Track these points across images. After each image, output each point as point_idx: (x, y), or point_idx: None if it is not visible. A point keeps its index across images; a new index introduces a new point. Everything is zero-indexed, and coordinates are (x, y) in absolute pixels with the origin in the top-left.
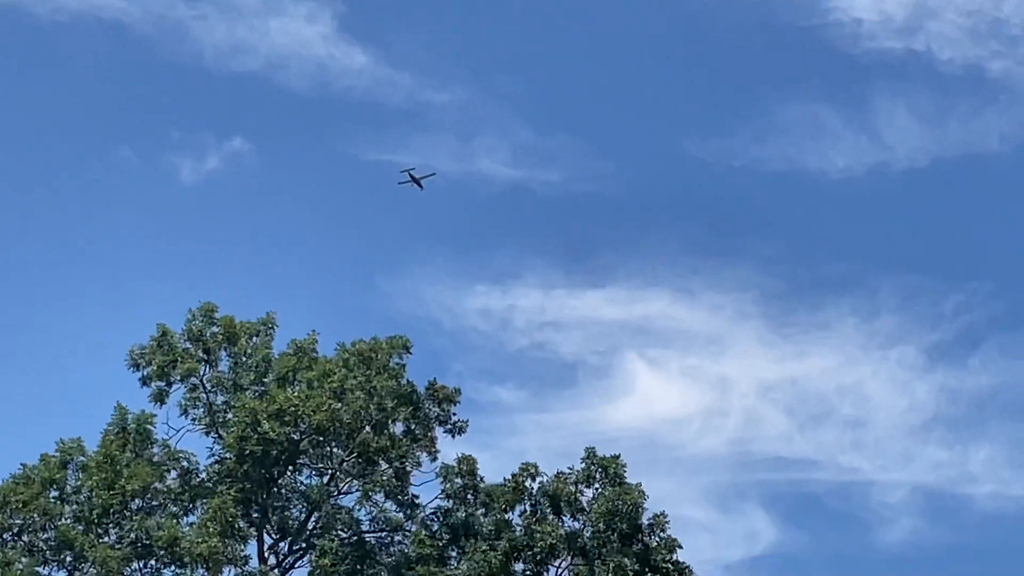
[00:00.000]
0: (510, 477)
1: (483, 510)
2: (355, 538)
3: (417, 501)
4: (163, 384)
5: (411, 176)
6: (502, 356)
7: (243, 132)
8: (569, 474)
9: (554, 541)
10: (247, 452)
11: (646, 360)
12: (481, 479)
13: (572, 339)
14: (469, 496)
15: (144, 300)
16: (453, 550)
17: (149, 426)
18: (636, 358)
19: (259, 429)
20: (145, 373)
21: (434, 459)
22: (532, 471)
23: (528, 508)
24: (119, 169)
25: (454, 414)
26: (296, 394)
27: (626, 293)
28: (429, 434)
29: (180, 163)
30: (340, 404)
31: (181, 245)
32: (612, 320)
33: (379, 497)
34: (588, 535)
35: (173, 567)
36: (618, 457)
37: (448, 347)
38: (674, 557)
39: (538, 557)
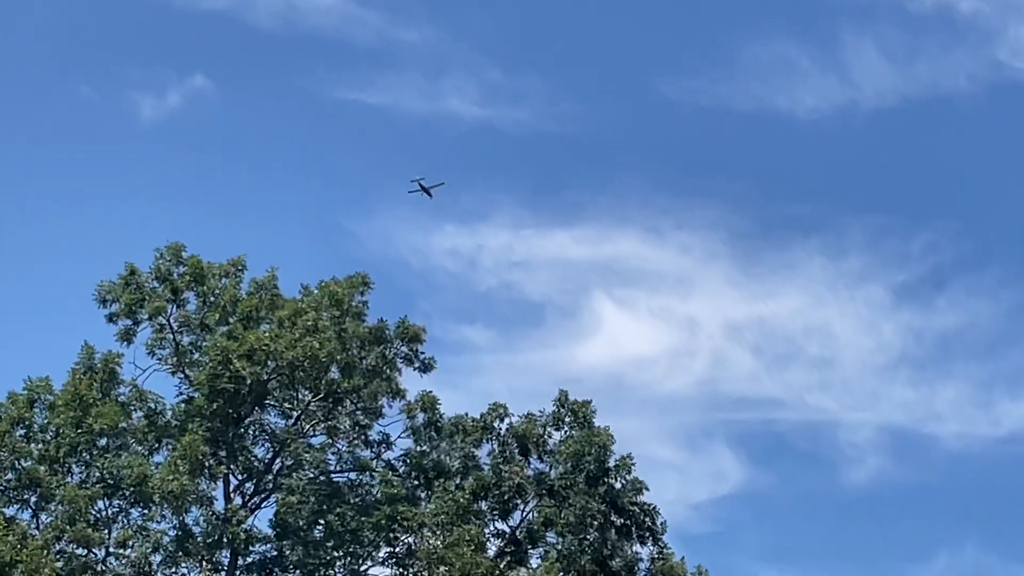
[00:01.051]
0: (479, 416)
1: (448, 441)
2: (323, 477)
3: (387, 440)
4: (130, 323)
5: (421, 185)
6: (470, 296)
7: (205, 69)
8: (538, 416)
9: (521, 480)
10: (218, 390)
11: (614, 300)
12: (441, 416)
13: (540, 279)
14: (432, 432)
15: (109, 240)
16: (421, 490)
17: (116, 366)
18: (604, 298)
19: (231, 368)
20: (112, 310)
21: (401, 398)
22: (501, 411)
23: (496, 448)
24: (79, 106)
25: (422, 352)
26: (267, 333)
27: (594, 233)
28: (395, 374)
29: (140, 100)
30: (316, 341)
31: (143, 184)
32: (580, 260)
33: (345, 437)
34: (555, 476)
35: (140, 506)
36: (589, 403)
37: (416, 287)
38: (641, 499)
39: (505, 496)
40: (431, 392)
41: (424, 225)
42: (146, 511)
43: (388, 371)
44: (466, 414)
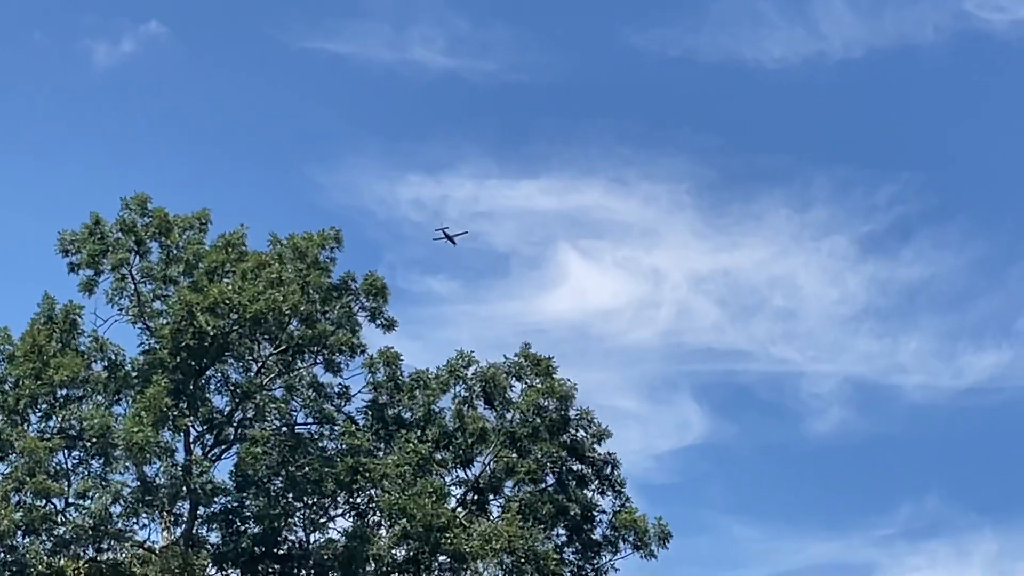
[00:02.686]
0: (445, 364)
1: (411, 396)
2: (284, 429)
3: (347, 392)
4: (92, 273)
5: (445, 234)
6: (435, 247)
7: (160, 16)
8: (502, 364)
9: (484, 426)
10: (182, 344)
11: (579, 251)
12: (402, 372)
13: (505, 230)
14: (393, 387)
15: (68, 189)
16: (382, 441)
17: (77, 316)
18: (569, 249)
19: (194, 322)
20: (74, 260)
21: (362, 352)
22: (467, 359)
23: (460, 394)
24: (32, 53)
25: (385, 309)
26: (230, 286)
27: (560, 184)
28: (357, 328)
29: (94, 47)
30: (279, 294)
31: (100, 133)
32: (546, 211)
33: (307, 390)
34: (517, 424)
35: (102, 457)
36: (551, 358)
37: (381, 238)
38: (602, 448)
39: (469, 442)
40: (393, 348)
41: (389, 176)
42: (106, 462)
43: (350, 325)
44: (427, 369)
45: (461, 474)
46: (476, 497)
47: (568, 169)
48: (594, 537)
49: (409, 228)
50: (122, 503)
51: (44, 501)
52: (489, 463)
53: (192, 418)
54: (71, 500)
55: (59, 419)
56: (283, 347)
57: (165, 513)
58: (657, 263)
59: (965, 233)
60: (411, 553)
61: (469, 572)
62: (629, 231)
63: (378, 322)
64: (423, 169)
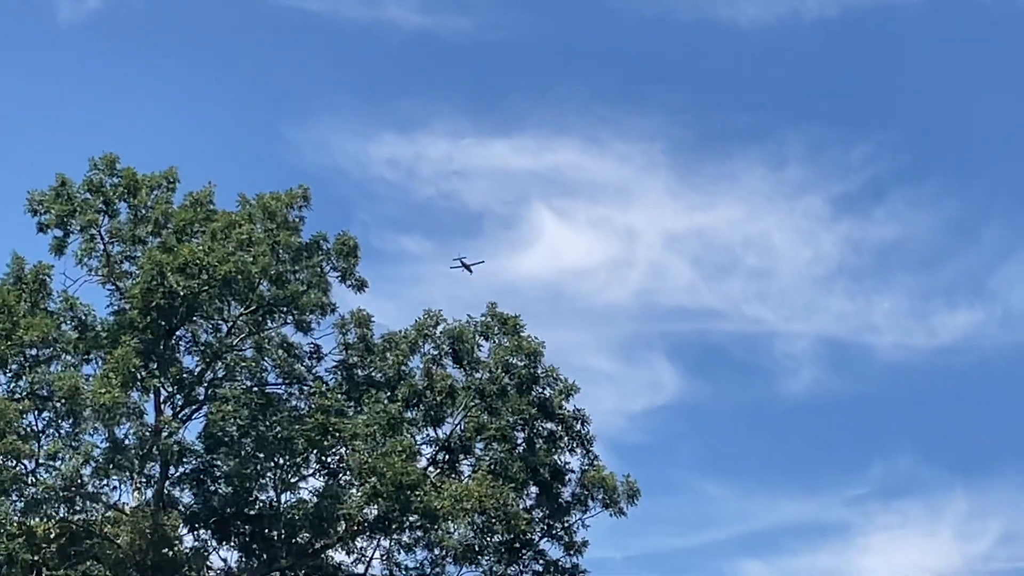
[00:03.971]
0: (414, 323)
1: (382, 357)
2: (255, 389)
3: (319, 353)
4: (61, 234)
5: (463, 263)
6: (408, 206)
7: None
8: (470, 323)
9: (452, 383)
10: (151, 305)
11: (553, 210)
12: (372, 333)
13: (479, 189)
14: (364, 347)
15: (34, 147)
16: (352, 401)
17: (46, 276)
18: (543, 208)
19: (164, 282)
20: (43, 220)
21: (333, 312)
22: (436, 318)
23: (429, 353)
24: None
25: (356, 270)
26: (200, 246)
27: (534, 143)
28: (327, 288)
29: (58, 2)
30: (248, 256)
31: (66, 89)
32: (520, 170)
33: (277, 350)
34: (485, 382)
35: (71, 418)
36: (518, 316)
37: (354, 197)
38: (571, 405)
39: (438, 400)
40: (364, 310)
41: (363, 134)
42: (76, 423)
43: (321, 284)
44: (399, 331)
45: (431, 433)
46: (447, 456)
47: (542, 128)
48: (564, 495)
49: (383, 187)
50: (92, 464)
51: (15, 462)
52: (459, 422)
53: (162, 379)
54: (41, 461)
55: (29, 380)
56: (253, 307)
57: (135, 474)
58: (631, 222)
59: (939, 192)
60: (382, 512)
61: (440, 531)
62: (603, 190)
63: (349, 283)
64: (397, 128)
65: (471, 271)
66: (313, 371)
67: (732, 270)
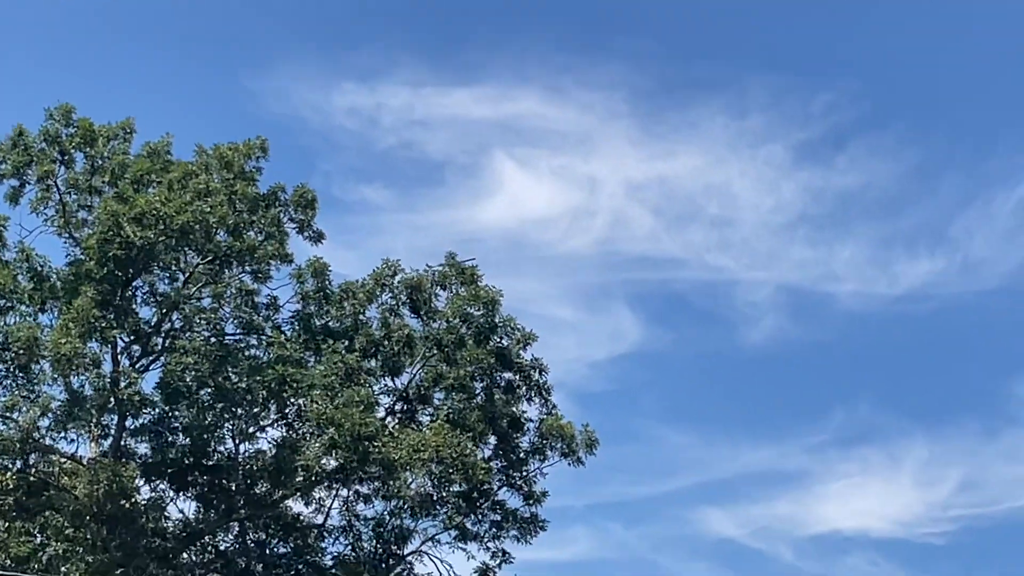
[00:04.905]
0: (372, 273)
1: (339, 306)
2: (212, 339)
3: (275, 303)
4: (17, 184)
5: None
6: (369, 155)
7: None
8: (427, 272)
9: (410, 333)
10: (108, 255)
11: (515, 159)
12: (331, 282)
13: (440, 138)
14: (322, 297)
15: None
16: (310, 352)
17: (2, 227)
18: (505, 157)
19: (121, 233)
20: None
21: (290, 263)
22: (393, 268)
23: (387, 303)
24: None
25: (314, 222)
26: (157, 196)
27: (495, 92)
28: (285, 239)
29: None
30: (206, 206)
31: (20, 40)
32: (481, 119)
33: (233, 300)
34: (443, 330)
35: (27, 370)
36: (475, 266)
37: (315, 146)
38: (529, 354)
39: (395, 350)
40: (321, 259)
41: (323, 83)
42: (33, 375)
43: (279, 235)
44: (357, 280)
45: (389, 383)
46: (405, 407)
47: (504, 77)
48: (522, 445)
49: (344, 136)
50: (50, 416)
51: None
52: (417, 372)
53: (119, 329)
54: None
55: None
56: (210, 257)
57: (93, 425)
58: (593, 171)
59: (900, 140)
60: (340, 463)
61: (398, 481)
62: (565, 139)
63: (306, 235)
64: (357, 77)
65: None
66: (272, 320)
67: (694, 219)
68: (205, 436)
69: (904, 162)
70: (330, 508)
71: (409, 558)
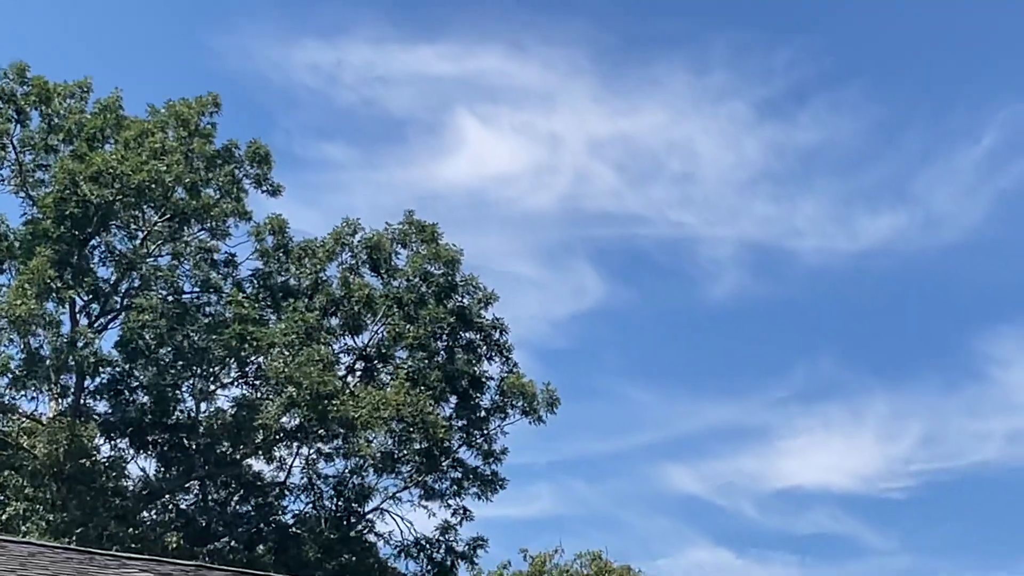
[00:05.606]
0: (331, 231)
1: (298, 264)
2: (171, 298)
3: (234, 260)
4: None
5: None
6: (331, 112)
7: None
8: (388, 231)
9: (370, 292)
10: (66, 214)
11: (477, 116)
12: (290, 239)
13: (402, 95)
14: (281, 255)
15: None
16: (270, 310)
17: None
18: (467, 114)
19: (77, 191)
20: None
21: (248, 219)
22: (353, 226)
23: (347, 261)
24: None
25: (270, 175)
26: (113, 155)
27: (458, 48)
28: (242, 195)
29: None
30: (162, 164)
31: None
32: (443, 75)
33: (192, 258)
34: (403, 290)
35: None
36: (435, 224)
37: (276, 103)
38: (489, 313)
39: (355, 308)
40: (280, 215)
41: (283, 40)
42: None
43: (236, 192)
44: (316, 238)
45: (350, 342)
46: (365, 365)
47: (465, 33)
48: (483, 404)
49: (305, 94)
50: (8, 376)
51: None
52: (378, 331)
53: (77, 289)
54: None
55: None
56: (169, 215)
57: (52, 385)
58: (555, 128)
59: (862, 96)
60: (300, 421)
61: (359, 440)
62: (527, 96)
63: (264, 188)
64: (318, 33)
65: None
66: (231, 278)
67: (656, 176)
68: (165, 395)
69: (866, 118)
70: (291, 466)
71: (370, 516)
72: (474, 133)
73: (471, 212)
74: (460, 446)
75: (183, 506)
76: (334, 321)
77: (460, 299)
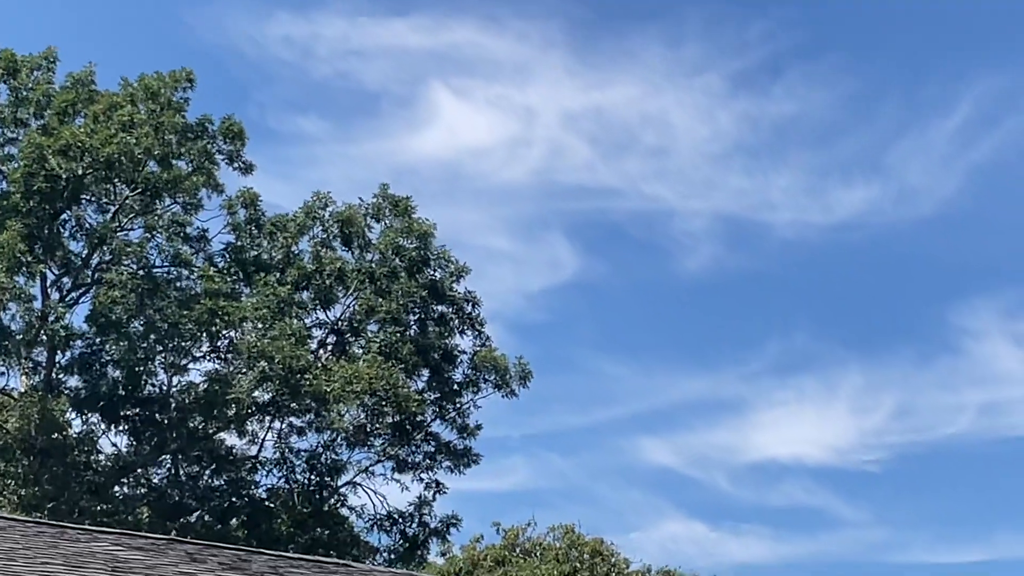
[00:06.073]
0: (303, 205)
1: (271, 238)
2: (142, 272)
3: (205, 235)
4: None
5: None
6: (305, 86)
7: None
8: (360, 205)
9: (342, 266)
10: (35, 188)
11: (451, 89)
12: (263, 213)
13: (376, 68)
14: (253, 228)
15: None
16: (242, 284)
17: None
18: (441, 87)
19: (46, 166)
20: None
21: (220, 193)
22: (324, 200)
23: (319, 235)
24: None
25: (243, 152)
26: (82, 128)
27: (432, 21)
28: (214, 169)
29: None
30: (131, 137)
31: None
32: (417, 49)
33: (164, 232)
34: (376, 264)
35: None
36: (409, 197)
37: (250, 77)
38: (462, 286)
39: (327, 282)
40: (252, 189)
41: (257, 12)
42: None
43: (208, 166)
44: (287, 213)
45: (321, 316)
46: (337, 339)
47: (439, 6)
48: (455, 377)
49: (279, 67)
50: None
51: None
52: (350, 305)
53: (47, 263)
54: None
55: None
56: (140, 189)
57: (23, 359)
58: (530, 101)
59: (836, 69)
60: (272, 395)
61: (331, 414)
62: (501, 69)
63: (236, 165)
64: (292, 6)
65: None
66: (203, 252)
67: (630, 148)
68: (136, 369)
69: (840, 90)
70: (263, 440)
71: (343, 489)
72: (448, 106)
73: (446, 185)
74: (433, 420)
75: (155, 480)
76: (306, 295)
77: (432, 273)
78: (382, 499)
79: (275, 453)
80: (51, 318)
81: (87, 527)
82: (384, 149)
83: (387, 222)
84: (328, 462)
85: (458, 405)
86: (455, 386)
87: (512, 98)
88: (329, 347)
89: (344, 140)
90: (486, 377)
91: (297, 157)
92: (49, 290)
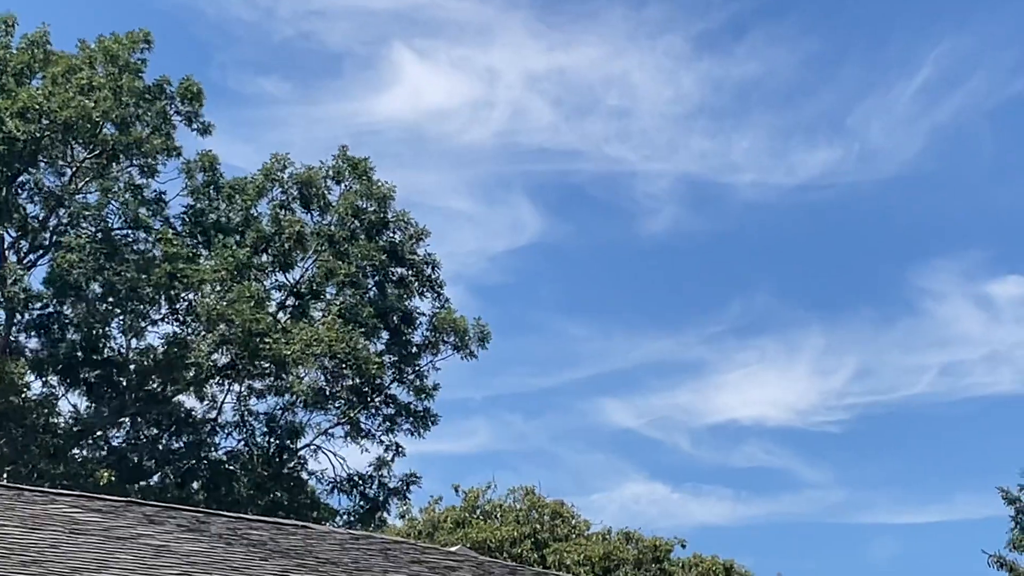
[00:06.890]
0: (261, 167)
1: (229, 201)
2: (100, 235)
3: (163, 198)
4: None
5: None
6: (267, 47)
7: None
8: (320, 167)
9: (301, 228)
10: None
11: (414, 50)
12: (222, 175)
13: (339, 29)
14: (212, 191)
15: None
16: (201, 246)
17: None
18: (404, 48)
19: (3, 128)
20: None
21: (179, 156)
22: (283, 162)
23: (278, 197)
24: None
25: (201, 113)
26: (40, 91)
27: None
28: (172, 131)
29: None
30: (89, 101)
31: None
32: (380, 9)
33: (121, 195)
34: (335, 227)
35: None
36: (367, 159)
37: (211, 38)
38: (422, 249)
39: (286, 247)
40: (210, 151)
41: None
42: None
43: (166, 128)
44: (246, 177)
45: (281, 278)
46: (296, 302)
47: None
48: (415, 340)
49: (240, 28)
50: None
51: None
52: (309, 267)
53: (5, 225)
54: None
55: None
56: (98, 151)
57: None
58: (492, 62)
59: (799, 29)
60: (231, 358)
61: (290, 377)
62: (464, 30)
63: (194, 127)
64: None
65: None
66: (161, 215)
67: (593, 110)
68: (95, 332)
69: (802, 51)
70: (223, 403)
71: (302, 452)
72: (411, 67)
73: (408, 147)
74: (392, 382)
75: (115, 443)
76: (265, 258)
77: (392, 235)
78: (342, 461)
79: (235, 416)
80: (9, 280)
81: (45, 489)
82: (347, 111)
83: (347, 184)
84: (287, 425)
85: (417, 367)
86: (414, 348)
87: (475, 60)
88: (288, 310)
89: (306, 102)
90: (445, 339)
91: (259, 119)
92: (7, 252)
